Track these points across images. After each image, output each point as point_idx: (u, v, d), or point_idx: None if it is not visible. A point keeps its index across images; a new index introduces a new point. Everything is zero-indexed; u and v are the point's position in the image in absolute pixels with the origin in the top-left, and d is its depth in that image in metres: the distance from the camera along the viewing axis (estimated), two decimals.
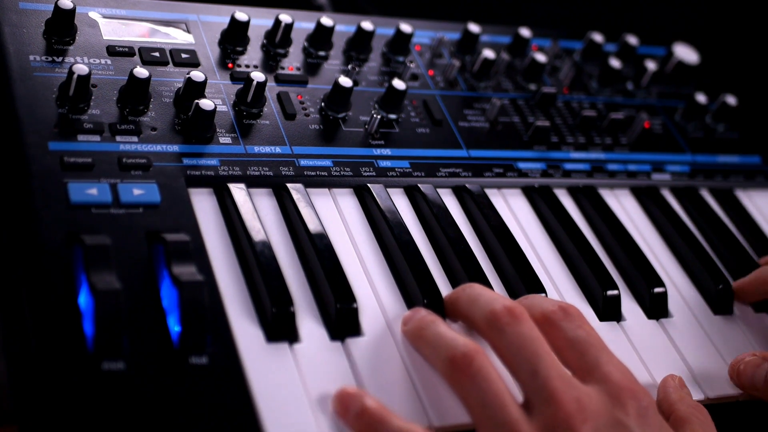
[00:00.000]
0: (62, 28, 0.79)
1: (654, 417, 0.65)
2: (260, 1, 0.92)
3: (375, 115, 0.85)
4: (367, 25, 0.91)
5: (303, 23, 0.91)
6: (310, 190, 0.78)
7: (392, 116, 0.87)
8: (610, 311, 0.80)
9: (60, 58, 0.77)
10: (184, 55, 0.83)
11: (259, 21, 0.89)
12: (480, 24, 0.98)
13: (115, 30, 0.82)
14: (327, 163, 0.81)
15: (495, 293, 0.70)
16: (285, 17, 0.87)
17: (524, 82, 0.97)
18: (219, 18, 0.88)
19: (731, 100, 1.04)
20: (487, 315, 0.67)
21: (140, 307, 0.65)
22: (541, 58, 0.97)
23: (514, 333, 0.65)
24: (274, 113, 0.82)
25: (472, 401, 0.63)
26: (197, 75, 0.78)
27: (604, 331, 0.78)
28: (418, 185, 0.83)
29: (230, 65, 0.84)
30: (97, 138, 0.73)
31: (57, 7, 0.78)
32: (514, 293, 0.78)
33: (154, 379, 0.62)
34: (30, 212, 0.67)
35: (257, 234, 0.72)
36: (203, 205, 0.74)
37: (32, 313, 0.63)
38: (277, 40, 0.87)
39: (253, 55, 0.86)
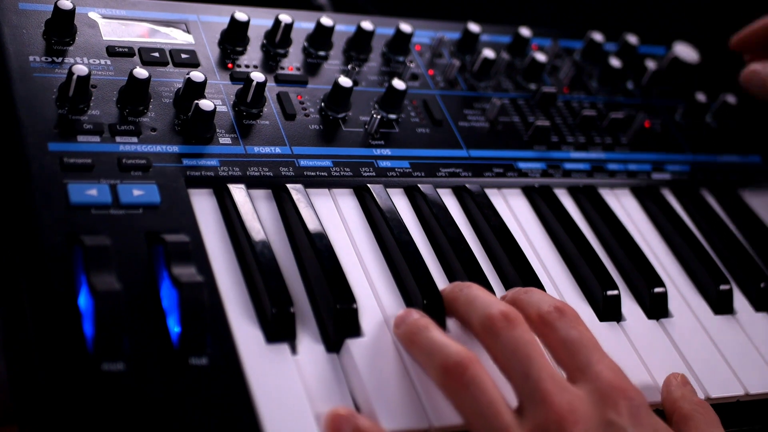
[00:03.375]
0: (62, 29, 0.79)
1: (646, 416, 0.65)
2: (260, 1, 0.92)
3: (375, 115, 0.85)
4: (367, 25, 0.91)
5: (303, 23, 0.91)
6: (310, 190, 0.78)
7: (392, 116, 0.87)
8: (610, 311, 0.80)
9: (60, 59, 0.77)
10: (183, 56, 0.83)
11: (259, 21, 0.89)
12: (480, 24, 0.98)
13: (114, 30, 0.82)
14: (327, 163, 0.81)
15: (491, 296, 0.70)
16: (285, 17, 0.87)
17: (524, 81, 0.97)
18: (219, 18, 0.88)
19: (731, 99, 1.04)
20: (483, 319, 0.67)
21: (140, 307, 0.65)
22: (541, 57, 0.97)
23: (508, 337, 0.66)
24: (274, 113, 0.82)
25: (466, 409, 0.63)
26: (197, 75, 0.78)
27: (604, 331, 0.78)
28: (418, 185, 0.83)
29: (230, 65, 0.84)
30: (96, 139, 0.73)
31: (57, 8, 0.78)
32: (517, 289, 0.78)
33: (154, 380, 0.62)
34: (30, 213, 0.67)
35: (257, 234, 0.72)
36: (203, 205, 0.74)
37: (32, 314, 0.63)
38: (277, 40, 0.87)
39: (252, 55, 0.86)
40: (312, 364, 0.67)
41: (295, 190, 0.77)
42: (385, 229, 0.78)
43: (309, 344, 0.69)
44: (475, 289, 0.70)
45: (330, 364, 0.68)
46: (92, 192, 0.69)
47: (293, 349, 0.68)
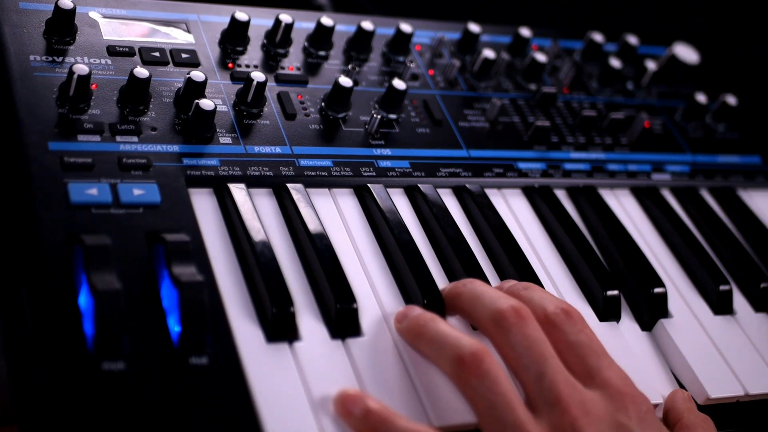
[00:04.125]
0: (62, 28, 0.79)
1: (653, 421, 0.66)
2: (260, 1, 0.92)
3: (375, 115, 0.85)
4: (367, 25, 0.91)
5: (303, 23, 0.91)
6: (310, 190, 0.78)
7: (392, 116, 0.87)
8: (610, 311, 0.80)
9: (60, 58, 0.77)
10: (184, 55, 0.83)
11: (259, 21, 0.89)
12: (480, 24, 0.98)
13: (115, 30, 0.82)
14: (327, 163, 0.81)
15: (497, 291, 0.70)
16: (285, 17, 0.87)
17: (524, 82, 0.97)
18: (219, 18, 0.88)
19: (731, 100, 1.04)
20: (493, 314, 0.67)
21: (140, 307, 0.65)
22: (541, 58, 0.97)
23: (520, 334, 0.66)
24: (274, 113, 0.82)
25: (480, 401, 0.63)
26: (197, 75, 0.78)
27: (604, 331, 0.78)
28: (418, 185, 0.83)
29: (230, 65, 0.84)
30: (97, 138, 0.73)
31: (57, 7, 0.78)
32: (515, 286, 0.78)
33: (155, 380, 0.62)
34: (30, 212, 0.67)
35: (257, 234, 0.72)
36: (203, 205, 0.74)
37: (32, 313, 0.63)
38: (278, 40, 0.87)
39: (253, 55, 0.86)
40: (312, 363, 0.67)
41: (296, 190, 0.77)
42: (385, 229, 0.78)
43: (309, 343, 0.68)
44: (479, 285, 0.70)
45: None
46: (92, 191, 0.69)
47: (293, 349, 0.68)
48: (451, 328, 0.67)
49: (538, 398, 0.64)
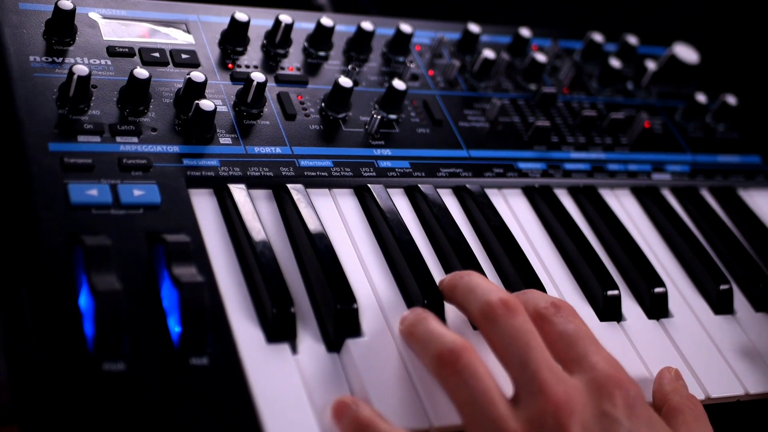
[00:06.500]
0: (62, 29, 0.79)
1: (642, 408, 0.65)
2: (260, 1, 0.92)
3: (375, 116, 0.85)
4: (367, 25, 0.91)
5: (303, 23, 0.91)
6: (310, 190, 0.78)
7: (392, 116, 0.87)
8: (610, 311, 0.80)
9: (60, 59, 0.77)
10: (184, 56, 0.83)
11: (259, 21, 0.89)
12: (480, 24, 0.98)
13: (115, 30, 0.82)
14: (327, 163, 0.81)
15: (492, 284, 0.70)
16: (285, 17, 0.87)
17: (524, 82, 0.97)
18: (219, 18, 0.88)
19: (731, 100, 1.04)
20: (483, 306, 0.67)
21: (140, 307, 0.65)
22: (541, 58, 0.97)
23: (507, 325, 0.65)
24: (274, 113, 0.82)
25: (459, 397, 0.63)
26: (197, 75, 0.78)
27: (605, 331, 0.78)
28: (419, 185, 0.83)
29: (230, 66, 0.84)
30: (97, 139, 0.73)
31: (57, 8, 0.78)
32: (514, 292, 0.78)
33: (155, 380, 0.62)
34: (30, 213, 0.67)
35: (257, 234, 0.72)
36: (203, 205, 0.74)
37: (32, 314, 0.63)
38: (277, 40, 0.87)
39: (253, 55, 0.86)
40: (312, 363, 0.67)
41: (296, 190, 0.77)
42: (385, 229, 0.78)
43: (309, 344, 0.69)
44: (475, 277, 0.70)
45: (331, 364, 0.68)
46: (93, 192, 0.69)
47: (294, 349, 0.68)
48: (440, 325, 0.67)
49: (522, 388, 0.63)
